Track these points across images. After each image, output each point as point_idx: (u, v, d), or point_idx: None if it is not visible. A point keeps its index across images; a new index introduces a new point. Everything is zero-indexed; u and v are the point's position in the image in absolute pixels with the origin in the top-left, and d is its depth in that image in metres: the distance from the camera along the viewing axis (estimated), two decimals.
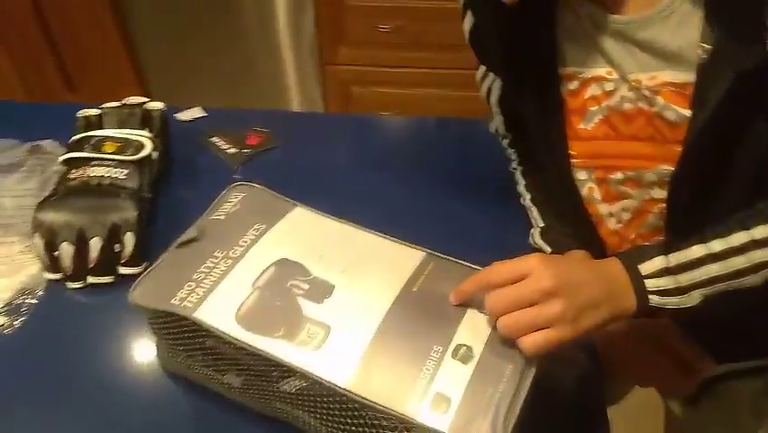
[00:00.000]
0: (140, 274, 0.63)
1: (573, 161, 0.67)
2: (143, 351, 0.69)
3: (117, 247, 0.75)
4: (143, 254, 0.76)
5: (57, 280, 0.75)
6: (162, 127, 0.89)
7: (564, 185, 0.68)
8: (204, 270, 0.59)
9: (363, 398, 0.50)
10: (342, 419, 0.53)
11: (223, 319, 0.55)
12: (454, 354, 0.52)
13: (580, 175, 0.67)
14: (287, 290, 0.57)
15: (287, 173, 0.90)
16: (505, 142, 0.83)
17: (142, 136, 0.84)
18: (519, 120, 0.73)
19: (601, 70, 0.62)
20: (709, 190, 0.60)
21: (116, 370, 0.68)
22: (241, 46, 1.91)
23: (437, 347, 0.53)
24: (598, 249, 0.70)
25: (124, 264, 0.75)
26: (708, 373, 0.69)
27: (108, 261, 0.75)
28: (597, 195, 0.67)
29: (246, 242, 0.62)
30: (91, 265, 0.74)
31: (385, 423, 0.50)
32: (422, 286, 0.58)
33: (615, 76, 0.61)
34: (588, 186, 0.67)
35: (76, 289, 0.75)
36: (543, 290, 0.52)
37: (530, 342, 0.51)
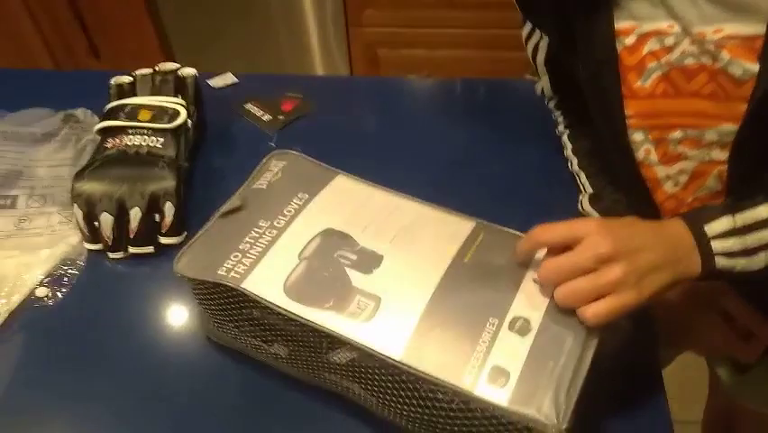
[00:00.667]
0: (181, 244, 0.63)
1: (629, 121, 0.63)
2: (187, 321, 0.69)
3: (157, 217, 0.74)
4: (183, 224, 0.75)
5: (98, 251, 0.75)
6: (196, 94, 0.87)
7: (618, 148, 0.65)
8: (249, 240, 0.58)
9: (418, 370, 0.49)
10: (395, 392, 0.52)
11: (271, 290, 0.54)
12: (511, 327, 0.51)
13: (636, 137, 0.64)
14: (334, 260, 0.56)
15: (323, 139, 0.88)
16: (551, 104, 0.80)
17: (177, 104, 0.83)
18: (568, 80, 0.70)
19: (662, 24, 0.58)
20: None
21: (160, 340, 0.67)
22: (263, 9, 1.87)
23: (493, 320, 0.51)
24: (652, 216, 0.67)
25: (165, 234, 0.74)
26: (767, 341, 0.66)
27: (148, 231, 0.74)
28: (653, 156, 0.64)
29: (290, 211, 0.60)
30: (132, 236, 0.73)
31: (440, 396, 0.49)
32: (473, 257, 0.56)
33: (676, 29, 0.57)
34: (644, 147, 0.64)
35: (117, 259, 0.74)
36: (600, 255, 0.49)
37: (591, 312, 0.49)
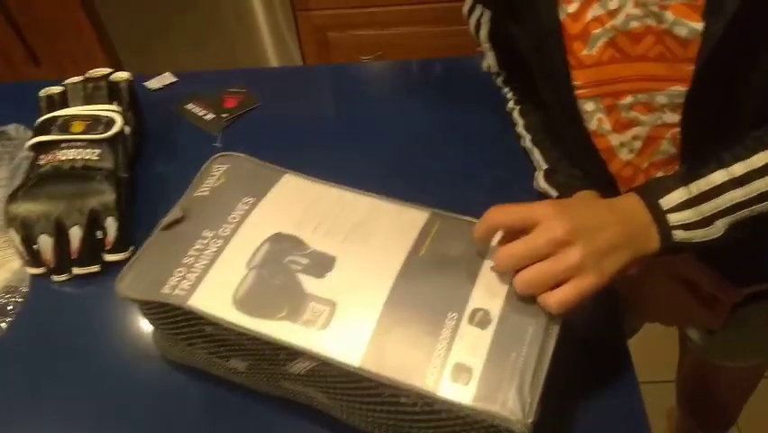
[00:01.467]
0: (127, 260, 0.59)
1: (578, 91, 0.62)
2: (141, 340, 0.66)
3: (99, 234, 0.70)
4: (128, 239, 0.72)
5: (41, 275, 0.71)
6: (131, 99, 0.82)
7: (569, 119, 0.64)
8: (193, 253, 0.55)
9: (378, 375, 0.47)
10: (358, 399, 0.50)
11: (219, 305, 0.52)
12: (471, 320, 0.49)
13: (587, 106, 0.62)
14: (285, 266, 0.53)
15: (271, 134, 0.85)
16: (499, 80, 0.78)
17: (111, 111, 0.79)
18: (514, 54, 0.68)
19: None
20: (725, 112, 0.56)
21: (115, 362, 0.64)
22: (208, 0, 1.81)
23: (452, 314, 0.49)
24: (609, 187, 0.66)
25: (109, 251, 0.71)
26: (732, 303, 0.66)
27: (92, 249, 0.70)
28: (606, 125, 0.62)
29: (235, 218, 0.57)
30: (74, 256, 0.70)
31: (404, 399, 0.47)
32: (429, 249, 0.54)
33: None
34: (596, 117, 0.62)
35: (62, 281, 0.71)
36: (556, 239, 0.48)
37: (554, 300, 0.48)
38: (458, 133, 0.83)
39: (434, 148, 0.82)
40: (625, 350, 0.61)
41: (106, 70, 0.83)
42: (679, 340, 1.00)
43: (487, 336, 0.48)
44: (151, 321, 0.58)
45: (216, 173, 0.63)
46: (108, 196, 0.71)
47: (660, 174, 0.63)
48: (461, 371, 0.46)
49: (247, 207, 0.58)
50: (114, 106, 0.80)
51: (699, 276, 0.63)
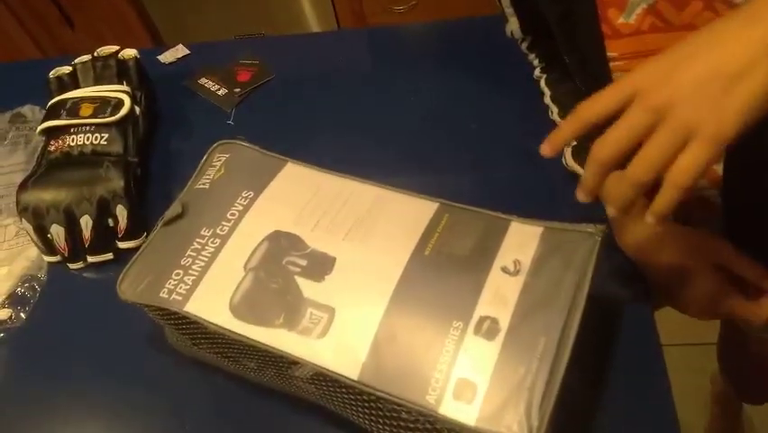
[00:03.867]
0: (140, 246, 0.58)
1: (614, 64, 0.55)
2: (156, 329, 0.65)
3: (111, 222, 0.69)
4: (141, 224, 0.70)
5: (58, 262, 0.71)
6: (140, 77, 0.80)
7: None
8: (191, 253, 0.53)
9: (377, 390, 0.44)
10: (360, 410, 0.48)
11: (216, 310, 0.50)
12: (477, 330, 0.45)
13: None
14: (283, 268, 0.51)
15: (284, 110, 0.81)
16: (524, 46, 0.70)
17: (120, 92, 0.76)
18: (540, 18, 0.61)
19: None
20: None
21: (130, 351, 0.64)
22: None
23: (457, 323, 0.46)
24: None
25: (122, 238, 0.70)
26: None
27: (104, 237, 0.69)
28: None
29: (234, 214, 0.55)
30: (87, 244, 0.69)
31: (405, 415, 0.45)
32: (435, 247, 0.50)
33: None
34: None
35: (78, 269, 0.71)
36: (654, 105, 0.38)
37: (677, 171, 0.38)
38: (484, 102, 0.77)
39: (454, 122, 0.77)
40: (657, 343, 0.56)
41: (114, 48, 0.80)
42: None
43: (494, 348, 0.44)
44: (158, 321, 0.57)
45: (217, 164, 0.60)
46: (116, 183, 0.69)
47: None
48: (465, 387, 0.43)
49: (246, 203, 0.55)
50: (123, 87, 0.77)
51: (740, 263, 0.57)
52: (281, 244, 0.52)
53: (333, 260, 0.51)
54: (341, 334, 0.47)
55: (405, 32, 0.96)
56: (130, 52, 0.79)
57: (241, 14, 1.84)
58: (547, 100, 0.69)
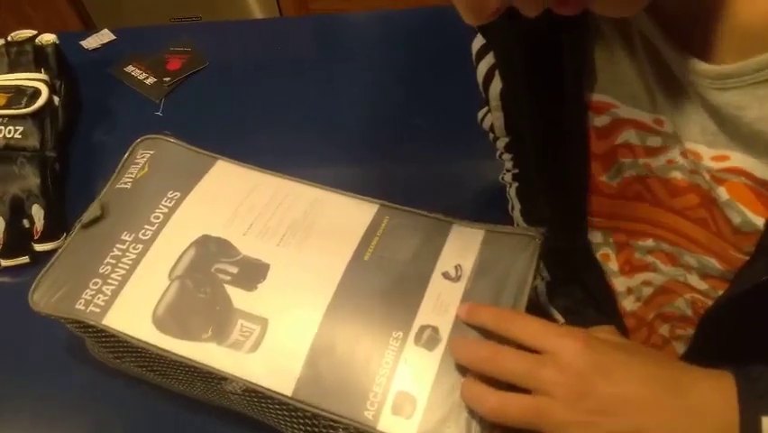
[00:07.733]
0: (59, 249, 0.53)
1: (588, 218, 0.50)
2: (76, 336, 0.60)
3: (26, 223, 0.64)
4: (59, 225, 0.65)
5: None
6: (60, 65, 0.74)
7: (574, 242, 0.52)
8: (111, 260, 0.49)
9: (312, 406, 0.42)
10: (295, 426, 0.45)
11: (137, 324, 0.46)
12: (417, 340, 0.43)
13: (594, 237, 0.50)
14: (211, 276, 0.47)
15: (217, 101, 0.77)
16: (498, 144, 0.59)
17: (37, 80, 0.70)
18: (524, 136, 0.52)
19: (646, 116, 0.42)
20: None
21: (50, 362, 0.59)
22: None
23: (396, 333, 0.44)
24: (618, 327, 0.53)
25: (38, 240, 0.64)
26: None
27: (19, 239, 0.64)
28: (613, 265, 0.51)
29: (158, 217, 0.51)
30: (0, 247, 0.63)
31: (342, 431, 0.42)
32: (375, 252, 0.48)
33: (665, 128, 0.41)
34: (602, 252, 0.51)
35: None
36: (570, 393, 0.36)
37: (494, 402, 0.39)
38: (429, 99, 0.75)
39: (402, 117, 0.74)
40: None
41: (31, 32, 0.74)
42: None
43: (434, 358, 0.43)
44: (77, 333, 0.53)
45: (141, 161, 0.55)
46: (32, 180, 0.64)
47: (665, 328, 0.50)
48: (405, 401, 0.41)
49: (171, 205, 0.51)
50: (41, 75, 0.72)
51: None
52: (210, 250, 0.49)
53: (267, 267, 0.47)
54: (274, 347, 0.44)
55: (348, 20, 0.93)
56: (48, 37, 0.73)
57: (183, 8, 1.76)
58: (515, 214, 0.60)
